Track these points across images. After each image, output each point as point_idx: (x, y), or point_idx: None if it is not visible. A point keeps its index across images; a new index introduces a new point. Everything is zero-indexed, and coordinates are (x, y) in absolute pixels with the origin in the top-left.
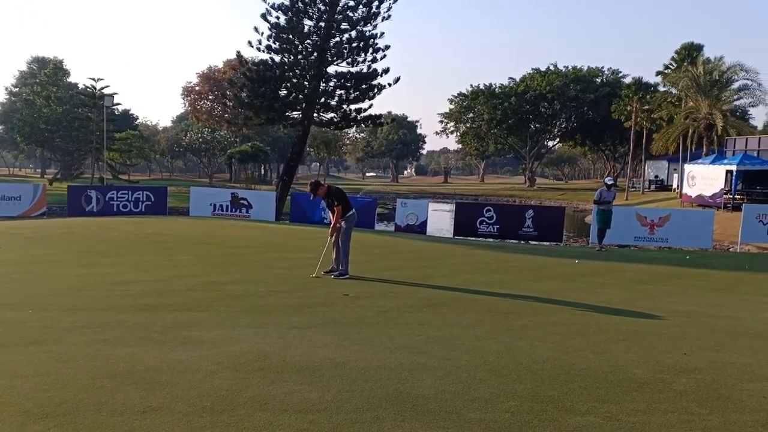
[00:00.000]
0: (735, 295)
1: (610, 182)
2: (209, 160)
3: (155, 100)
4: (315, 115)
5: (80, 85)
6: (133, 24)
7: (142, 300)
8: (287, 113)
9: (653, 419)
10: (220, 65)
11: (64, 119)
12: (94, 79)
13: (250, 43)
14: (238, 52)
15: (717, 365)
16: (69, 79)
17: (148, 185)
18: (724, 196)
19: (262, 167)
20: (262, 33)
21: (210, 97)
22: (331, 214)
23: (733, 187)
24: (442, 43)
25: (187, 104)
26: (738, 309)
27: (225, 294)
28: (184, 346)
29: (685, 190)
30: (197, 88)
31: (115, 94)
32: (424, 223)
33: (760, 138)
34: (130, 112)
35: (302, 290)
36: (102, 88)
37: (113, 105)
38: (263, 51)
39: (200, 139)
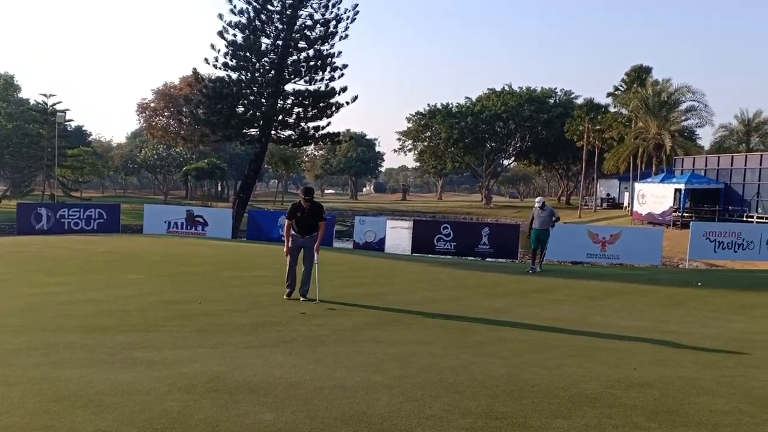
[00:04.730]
0: (683, 311)
1: (538, 203)
2: (164, 176)
3: (109, 117)
4: (273, 132)
5: (31, 101)
6: (88, 40)
7: (92, 320)
8: (244, 130)
9: None
10: (177, 82)
11: (15, 135)
12: (45, 95)
13: (206, 60)
14: (195, 68)
15: (665, 380)
16: (20, 95)
17: (100, 202)
18: (673, 213)
19: (219, 184)
20: (219, 50)
21: (166, 113)
22: (294, 232)
23: (681, 205)
24: (399, 63)
25: (142, 120)
26: (686, 324)
27: (178, 313)
28: (135, 368)
29: (636, 208)
30: (152, 104)
31: (67, 110)
32: (382, 241)
33: (706, 157)
34: (83, 129)
35: (258, 309)
36: (54, 104)
37: (65, 121)
38: (220, 68)
39: (155, 156)
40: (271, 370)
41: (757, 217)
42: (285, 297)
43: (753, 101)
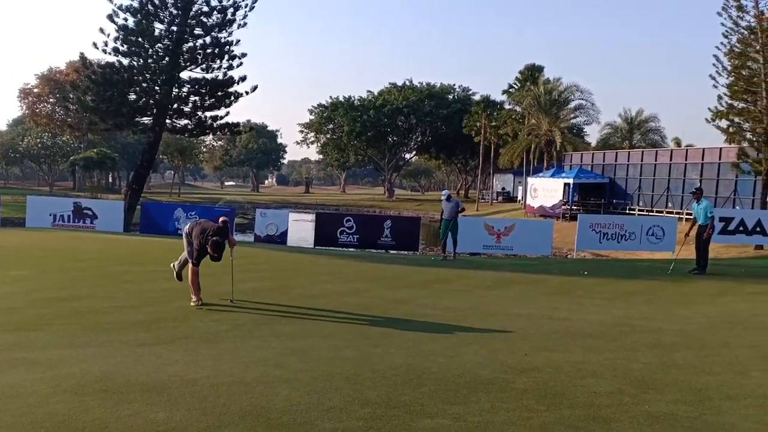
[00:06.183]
0: (571, 299)
1: (444, 196)
2: (50, 167)
3: None
4: (168, 121)
5: None
6: None
7: None
8: (137, 119)
9: (496, 418)
10: (63, 66)
11: None
12: None
13: (95, 44)
14: (82, 53)
15: (554, 364)
16: None
17: None
18: (563, 206)
19: (110, 175)
20: (109, 35)
21: (51, 99)
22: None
23: (570, 198)
24: (301, 54)
25: (24, 107)
26: (573, 311)
27: (65, 311)
28: (16, 369)
29: (529, 201)
30: (36, 90)
31: None
32: (284, 234)
33: (593, 154)
34: None
35: (151, 305)
36: None
37: None
38: (110, 53)
39: (39, 145)
40: (165, 368)
41: (639, 210)
42: (199, 307)
43: (636, 101)
